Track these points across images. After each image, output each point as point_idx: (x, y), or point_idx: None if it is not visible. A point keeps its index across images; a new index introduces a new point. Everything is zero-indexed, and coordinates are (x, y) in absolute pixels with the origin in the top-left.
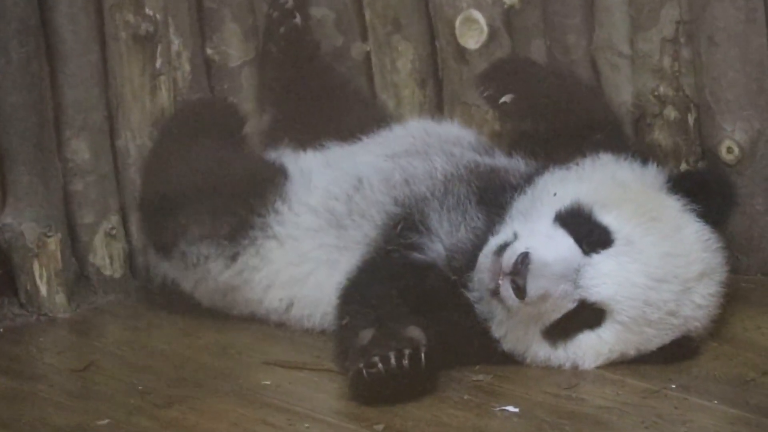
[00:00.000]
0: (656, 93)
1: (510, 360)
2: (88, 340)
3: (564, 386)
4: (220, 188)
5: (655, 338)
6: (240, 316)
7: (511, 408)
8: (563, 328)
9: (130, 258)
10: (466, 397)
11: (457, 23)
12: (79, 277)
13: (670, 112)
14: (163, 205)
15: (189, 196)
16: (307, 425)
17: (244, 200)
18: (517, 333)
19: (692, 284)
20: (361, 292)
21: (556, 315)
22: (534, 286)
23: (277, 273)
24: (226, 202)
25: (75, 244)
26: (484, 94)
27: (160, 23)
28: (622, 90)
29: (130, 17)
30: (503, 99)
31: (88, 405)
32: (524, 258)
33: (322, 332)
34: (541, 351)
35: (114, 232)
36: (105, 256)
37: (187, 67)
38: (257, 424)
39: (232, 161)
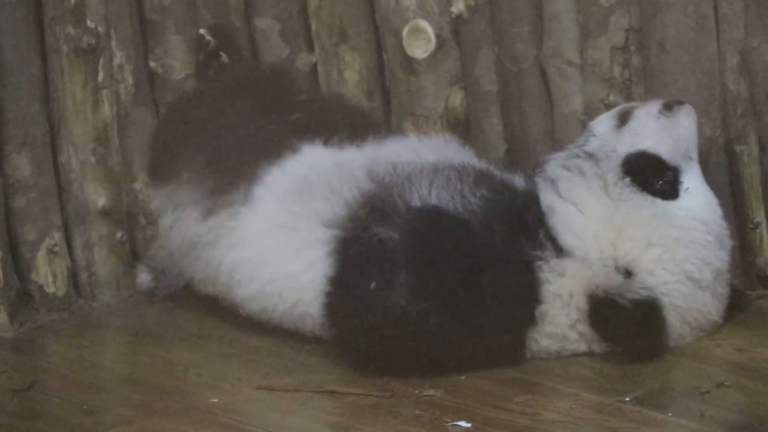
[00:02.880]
0: (606, 102)
1: None
2: (32, 359)
3: (517, 400)
4: (223, 145)
5: None
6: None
7: (463, 423)
8: None
9: (73, 275)
10: (417, 412)
11: (405, 33)
12: (21, 295)
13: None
14: (173, 139)
15: (197, 141)
16: None
17: (237, 164)
18: None
19: None
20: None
21: None
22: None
23: (244, 234)
24: (221, 158)
25: (17, 262)
26: None
27: (102, 36)
28: (573, 99)
29: (71, 30)
30: None
31: (32, 426)
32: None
33: (275, 327)
34: None
35: (57, 248)
36: (48, 274)
37: (129, 80)
38: None
39: (245, 128)
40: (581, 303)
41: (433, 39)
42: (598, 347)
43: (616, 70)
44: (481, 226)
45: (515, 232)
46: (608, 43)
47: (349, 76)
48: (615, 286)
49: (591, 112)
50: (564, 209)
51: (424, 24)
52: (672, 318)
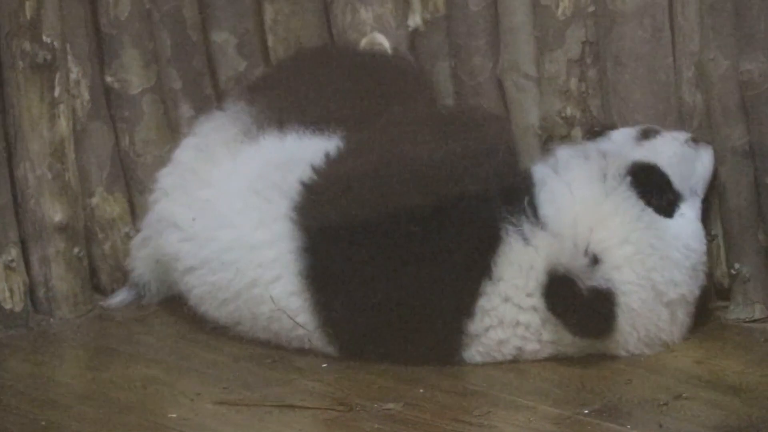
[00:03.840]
0: (563, 114)
1: None
2: None
3: (476, 413)
4: None
5: None
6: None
7: None
8: None
9: (30, 291)
10: (376, 426)
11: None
12: None
13: (578, 133)
14: None
15: None
16: None
17: None
18: None
19: None
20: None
21: None
22: None
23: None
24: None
25: None
26: None
27: (58, 51)
28: (529, 112)
29: (27, 45)
30: None
31: None
32: None
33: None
34: None
35: (13, 264)
36: (5, 289)
37: (86, 95)
38: None
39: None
40: (541, 275)
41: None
42: (546, 333)
43: (573, 83)
44: (450, 178)
45: (494, 191)
46: (565, 56)
47: None
48: (578, 268)
49: (548, 125)
50: (555, 184)
51: (381, 38)
52: (622, 318)
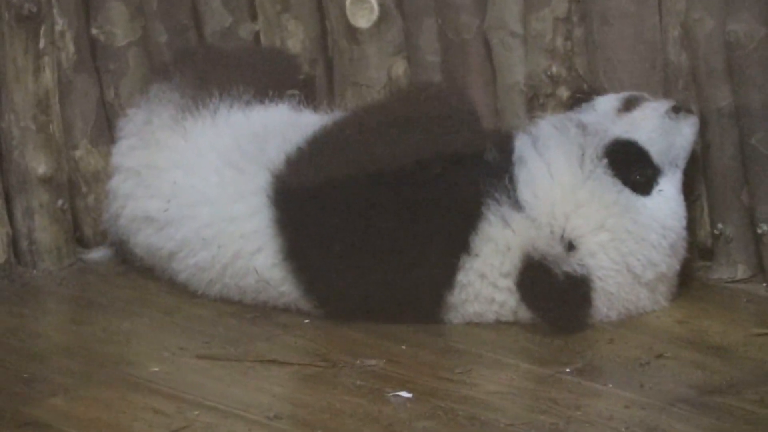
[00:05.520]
0: (549, 73)
1: None
2: None
3: (458, 371)
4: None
5: None
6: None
7: (404, 393)
8: None
9: (14, 243)
10: (358, 382)
11: (348, 2)
12: None
13: (563, 92)
14: None
15: None
16: (196, 413)
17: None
18: None
19: None
20: None
21: None
22: None
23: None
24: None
25: None
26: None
27: (44, 3)
28: (515, 70)
29: None
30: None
31: None
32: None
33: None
34: None
35: None
36: None
37: (71, 47)
38: (146, 412)
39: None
40: (516, 259)
41: (376, 8)
42: (522, 312)
43: (559, 42)
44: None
45: (476, 169)
46: (551, 15)
47: (292, 45)
48: (553, 255)
49: (533, 83)
50: (534, 165)
51: None
52: (599, 302)
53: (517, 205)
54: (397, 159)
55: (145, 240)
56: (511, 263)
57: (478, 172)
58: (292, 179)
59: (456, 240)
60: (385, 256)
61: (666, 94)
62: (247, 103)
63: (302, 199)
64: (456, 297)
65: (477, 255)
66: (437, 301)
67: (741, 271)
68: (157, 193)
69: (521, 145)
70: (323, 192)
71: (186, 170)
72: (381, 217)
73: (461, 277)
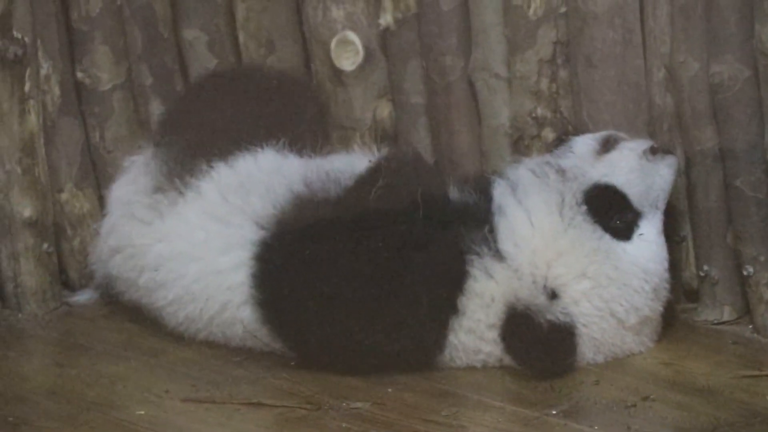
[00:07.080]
0: (534, 115)
1: None
2: None
3: (444, 413)
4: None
5: None
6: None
7: None
8: None
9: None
10: (344, 425)
11: (333, 45)
12: None
13: (549, 134)
14: None
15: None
16: None
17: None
18: None
19: None
20: None
21: None
22: None
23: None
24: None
25: None
26: None
27: (29, 46)
28: (500, 112)
29: None
30: None
31: None
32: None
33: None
34: None
35: None
36: None
37: (56, 90)
38: None
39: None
40: (500, 311)
41: (361, 51)
42: (508, 359)
43: (544, 83)
44: (411, 216)
45: (458, 222)
46: (536, 57)
47: None
48: (536, 304)
49: (518, 125)
50: (514, 214)
51: (353, 36)
52: (585, 348)
53: (498, 255)
54: (374, 237)
55: (135, 292)
56: (495, 315)
57: (457, 230)
58: (278, 255)
59: (443, 304)
60: (375, 323)
61: (651, 136)
62: (232, 154)
63: (287, 263)
64: (446, 356)
65: (464, 313)
66: (427, 362)
67: (727, 313)
68: (146, 263)
69: (500, 192)
70: (307, 261)
71: (168, 242)
72: (370, 290)
73: (452, 338)
